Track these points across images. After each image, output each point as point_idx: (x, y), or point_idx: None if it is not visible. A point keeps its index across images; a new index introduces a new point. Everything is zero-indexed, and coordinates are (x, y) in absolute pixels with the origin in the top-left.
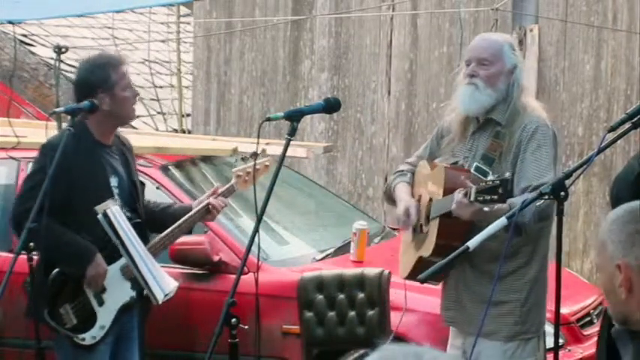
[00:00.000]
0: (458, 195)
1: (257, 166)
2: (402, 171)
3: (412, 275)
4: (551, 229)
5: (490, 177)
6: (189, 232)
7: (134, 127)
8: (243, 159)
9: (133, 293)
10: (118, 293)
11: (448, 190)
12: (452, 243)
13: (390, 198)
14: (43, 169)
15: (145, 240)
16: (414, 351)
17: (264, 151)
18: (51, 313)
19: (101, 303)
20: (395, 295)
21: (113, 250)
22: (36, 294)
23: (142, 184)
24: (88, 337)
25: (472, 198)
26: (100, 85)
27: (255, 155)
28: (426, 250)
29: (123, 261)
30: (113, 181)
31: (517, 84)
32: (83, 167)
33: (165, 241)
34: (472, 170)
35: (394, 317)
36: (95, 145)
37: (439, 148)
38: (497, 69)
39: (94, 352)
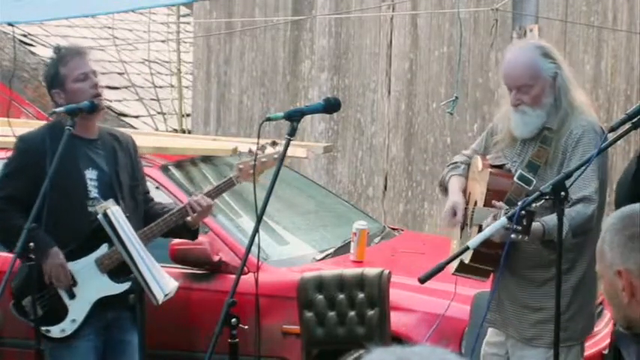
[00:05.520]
0: (488, 219)
1: (264, 159)
2: (456, 163)
3: (459, 271)
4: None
5: (519, 204)
6: (175, 233)
7: (134, 127)
8: (250, 151)
9: (117, 287)
10: (91, 287)
11: (489, 195)
12: (491, 251)
13: (446, 190)
14: (14, 161)
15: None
16: (399, 354)
17: (274, 144)
18: (16, 305)
19: (72, 296)
20: (395, 295)
21: (88, 244)
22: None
23: (136, 179)
24: (56, 330)
25: None
26: (52, 84)
27: (262, 148)
28: (466, 256)
29: (98, 253)
30: (90, 174)
31: (563, 89)
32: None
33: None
34: (516, 178)
35: (394, 317)
36: (72, 139)
37: (491, 144)
38: (539, 87)
39: (71, 347)
